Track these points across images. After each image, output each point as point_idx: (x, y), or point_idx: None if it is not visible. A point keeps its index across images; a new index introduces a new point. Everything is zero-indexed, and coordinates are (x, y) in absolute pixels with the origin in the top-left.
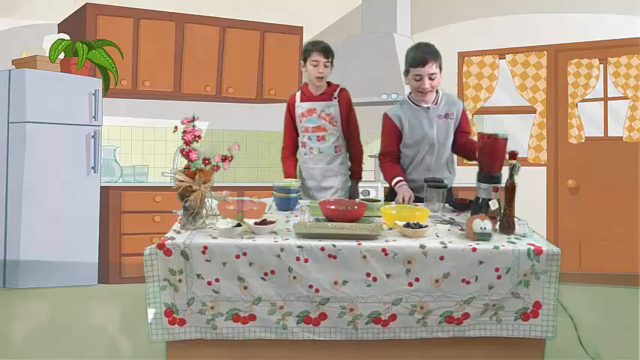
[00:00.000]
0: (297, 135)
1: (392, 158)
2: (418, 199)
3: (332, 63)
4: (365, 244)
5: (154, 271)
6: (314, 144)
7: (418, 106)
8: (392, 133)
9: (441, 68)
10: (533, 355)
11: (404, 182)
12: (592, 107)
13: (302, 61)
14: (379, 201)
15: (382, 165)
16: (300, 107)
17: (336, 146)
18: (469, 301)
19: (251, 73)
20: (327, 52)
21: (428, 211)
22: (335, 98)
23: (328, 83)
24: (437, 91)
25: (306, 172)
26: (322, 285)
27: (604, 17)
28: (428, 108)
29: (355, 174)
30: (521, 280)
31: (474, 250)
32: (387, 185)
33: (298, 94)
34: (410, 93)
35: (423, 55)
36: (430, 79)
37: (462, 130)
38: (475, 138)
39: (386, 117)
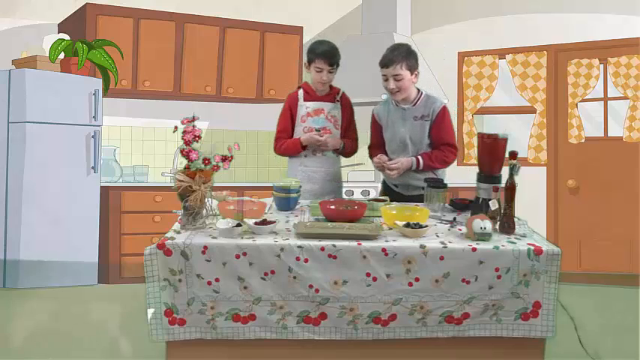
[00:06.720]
0: (292, 132)
1: (381, 151)
2: (400, 197)
3: (338, 65)
4: (365, 244)
5: (154, 271)
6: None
7: (397, 106)
8: (375, 127)
9: (410, 69)
10: (533, 355)
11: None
12: (592, 107)
13: (306, 63)
14: (385, 201)
15: (371, 157)
16: (306, 106)
17: (335, 149)
18: (469, 301)
19: (251, 73)
20: (331, 58)
21: (428, 211)
22: (338, 101)
23: (330, 86)
24: (419, 91)
25: (303, 174)
26: (322, 285)
27: (604, 17)
28: (404, 109)
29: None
30: (521, 280)
31: (474, 250)
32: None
33: (301, 93)
34: None
35: (388, 56)
36: (395, 80)
37: (436, 135)
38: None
39: (372, 113)
